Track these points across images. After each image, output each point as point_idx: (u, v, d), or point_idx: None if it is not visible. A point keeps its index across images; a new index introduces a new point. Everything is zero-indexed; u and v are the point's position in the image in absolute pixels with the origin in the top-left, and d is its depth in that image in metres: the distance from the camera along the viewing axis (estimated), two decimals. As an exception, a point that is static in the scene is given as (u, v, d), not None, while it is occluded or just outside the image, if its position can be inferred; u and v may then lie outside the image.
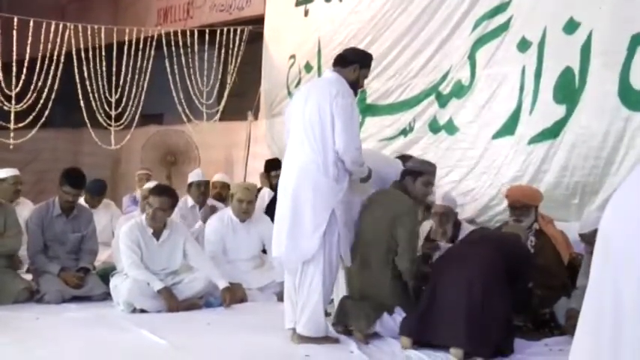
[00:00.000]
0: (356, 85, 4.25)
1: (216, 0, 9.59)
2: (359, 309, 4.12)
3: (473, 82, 6.07)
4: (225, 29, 8.97)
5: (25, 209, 6.35)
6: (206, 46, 9.05)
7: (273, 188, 6.23)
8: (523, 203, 4.76)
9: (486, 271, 3.84)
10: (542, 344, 4.13)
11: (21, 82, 8.55)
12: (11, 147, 8.53)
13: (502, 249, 4.01)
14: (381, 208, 4.22)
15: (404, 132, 6.61)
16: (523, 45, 5.68)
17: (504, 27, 5.84)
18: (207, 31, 9.02)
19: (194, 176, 6.56)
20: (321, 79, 4.77)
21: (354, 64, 4.23)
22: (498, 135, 5.80)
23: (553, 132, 5.36)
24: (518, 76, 5.69)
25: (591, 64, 5.15)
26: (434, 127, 6.36)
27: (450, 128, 6.22)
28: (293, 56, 8.06)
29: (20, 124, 8.64)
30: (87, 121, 9.13)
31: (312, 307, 3.98)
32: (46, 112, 8.81)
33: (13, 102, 8.55)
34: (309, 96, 4.14)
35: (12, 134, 8.51)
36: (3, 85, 8.54)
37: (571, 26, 5.31)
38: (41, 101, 8.74)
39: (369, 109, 6.97)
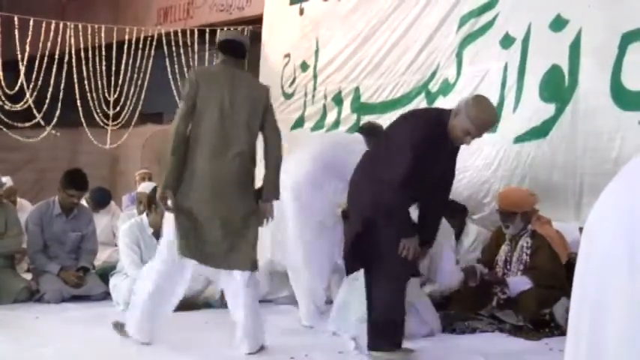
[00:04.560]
0: None
1: (216, 0, 9.58)
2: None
3: (458, 80, 6.09)
4: (225, 29, 8.96)
5: (24, 214, 6.32)
6: (206, 45, 9.05)
7: None
8: (506, 210, 4.78)
9: None
10: (543, 343, 4.14)
11: (19, 81, 8.55)
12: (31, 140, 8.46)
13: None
14: None
15: (399, 130, 6.63)
16: (506, 41, 5.68)
17: (490, 24, 5.85)
18: (207, 30, 9.02)
19: None
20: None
21: None
22: None
23: (542, 131, 5.34)
24: (500, 73, 5.68)
25: (582, 63, 5.13)
26: None
27: None
28: (288, 55, 8.05)
29: (18, 123, 8.65)
30: (84, 120, 9.13)
31: None
32: (46, 111, 8.82)
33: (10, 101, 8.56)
34: None
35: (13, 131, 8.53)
36: (3, 84, 8.55)
37: (558, 23, 5.29)
38: (46, 101, 8.75)
39: (362, 108, 6.98)
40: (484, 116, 3.63)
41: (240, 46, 4.05)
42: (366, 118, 6.94)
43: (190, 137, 3.85)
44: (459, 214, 5.24)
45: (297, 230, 4.55)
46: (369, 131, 4.85)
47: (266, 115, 3.94)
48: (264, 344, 3.85)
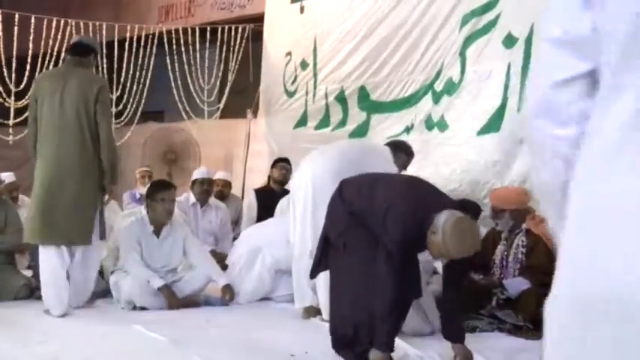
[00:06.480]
0: None
1: (217, -2, 9.59)
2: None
3: (462, 79, 6.10)
4: (226, 27, 8.97)
5: (26, 210, 6.31)
6: (207, 44, 9.06)
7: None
8: (495, 206, 4.80)
9: None
10: (542, 343, 4.13)
11: (23, 78, 8.55)
12: (11, 142, 8.53)
13: None
14: None
15: (407, 129, 6.63)
16: (509, 41, 5.69)
17: (493, 23, 5.86)
18: (208, 29, 9.03)
19: (198, 174, 6.58)
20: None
21: None
22: (482, 132, 5.81)
23: None
24: (503, 73, 5.69)
25: (582, 63, 5.14)
26: (429, 125, 6.40)
27: (442, 125, 6.26)
28: (289, 53, 8.06)
29: (19, 120, 8.64)
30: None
31: None
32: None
33: (13, 98, 8.56)
34: None
35: (10, 130, 8.52)
36: (7, 80, 8.55)
37: None
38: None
39: (373, 107, 6.98)
40: (460, 250, 3.30)
41: (78, 44, 4.73)
42: (375, 117, 6.95)
43: (37, 132, 4.55)
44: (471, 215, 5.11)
45: (310, 219, 4.49)
46: (397, 147, 4.96)
47: (96, 106, 4.48)
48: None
